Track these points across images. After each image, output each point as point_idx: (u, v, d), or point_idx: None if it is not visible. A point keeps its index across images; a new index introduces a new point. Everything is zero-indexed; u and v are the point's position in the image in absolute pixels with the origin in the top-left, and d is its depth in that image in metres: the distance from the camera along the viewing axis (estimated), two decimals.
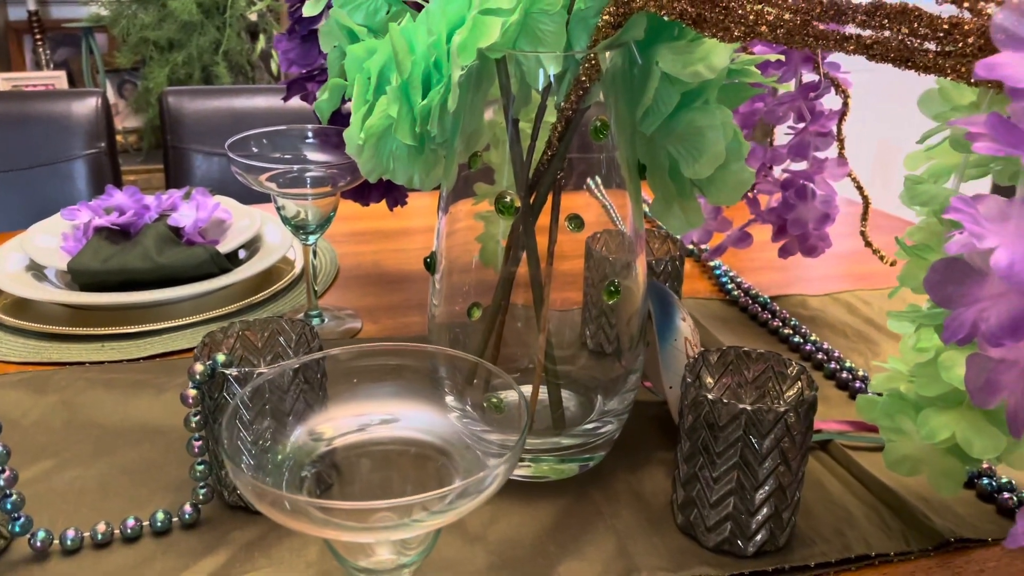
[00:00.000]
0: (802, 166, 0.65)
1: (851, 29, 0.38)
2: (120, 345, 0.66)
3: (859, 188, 0.67)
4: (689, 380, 0.44)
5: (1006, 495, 0.48)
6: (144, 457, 0.52)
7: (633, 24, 0.43)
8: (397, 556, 0.32)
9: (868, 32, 0.37)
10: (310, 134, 0.68)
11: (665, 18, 0.42)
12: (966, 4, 0.33)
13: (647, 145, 0.48)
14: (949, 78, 0.35)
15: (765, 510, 0.44)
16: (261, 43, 2.00)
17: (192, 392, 0.45)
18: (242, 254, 0.80)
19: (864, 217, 0.68)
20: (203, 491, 0.47)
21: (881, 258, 0.70)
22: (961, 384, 0.37)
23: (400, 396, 0.37)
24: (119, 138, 2.35)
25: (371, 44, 0.49)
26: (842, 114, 0.64)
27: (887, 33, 0.36)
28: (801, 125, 0.65)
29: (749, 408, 0.42)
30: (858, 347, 0.67)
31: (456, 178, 0.50)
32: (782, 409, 0.42)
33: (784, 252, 0.69)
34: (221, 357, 0.46)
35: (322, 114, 0.55)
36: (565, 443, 0.50)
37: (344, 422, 0.36)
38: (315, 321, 0.69)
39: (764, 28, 0.39)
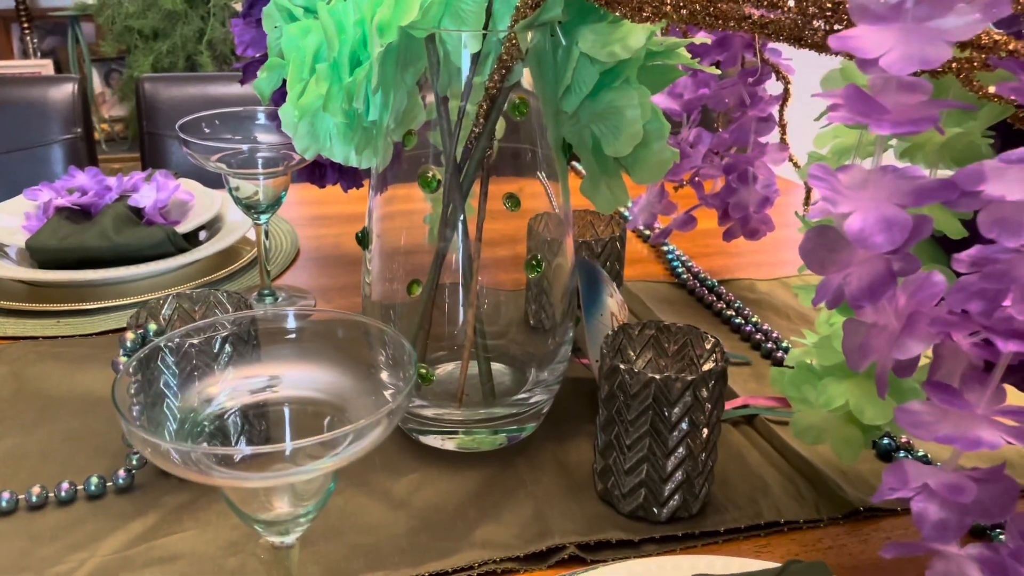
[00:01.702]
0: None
1: (749, 9, 0.39)
2: (75, 321, 0.67)
3: (797, 167, 0.68)
4: (605, 351, 0.46)
5: (904, 454, 0.49)
6: (86, 426, 0.54)
7: (551, 5, 0.45)
8: (294, 508, 0.33)
9: (761, 12, 0.38)
10: (261, 115, 0.69)
11: None
12: None
13: (572, 124, 0.50)
14: (838, 56, 0.37)
15: (677, 476, 0.45)
16: None
17: (123, 359, 0.46)
18: (202, 235, 0.81)
19: (806, 201, 0.70)
20: (136, 457, 0.48)
21: None
22: None
23: (308, 358, 0.38)
24: (105, 127, 2.36)
25: (306, 24, 0.50)
26: (783, 99, 0.65)
27: (779, 13, 0.38)
28: (739, 112, 0.66)
29: (658, 377, 0.43)
30: (798, 328, 0.69)
31: (392, 156, 0.52)
32: (690, 378, 0.43)
33: (728, 235, 0.71)
34: (153, 326, 0.47)
35: (261, 93, 0.56)
36: (497, 413, 0.52)
37: (249, 382, 0.38)
38: (267, 300, 0.71)
39: (669, 8, 0.40)
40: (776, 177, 0.67)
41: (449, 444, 0.52)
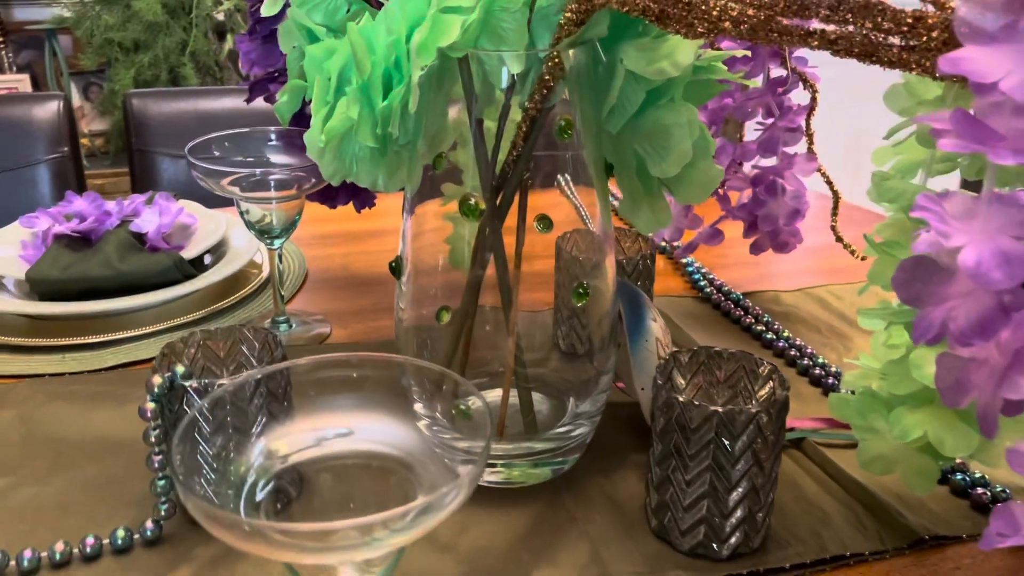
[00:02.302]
0: (771, 162, 0.65)
1: (815, 24, 0.37)
2: (81, 356, 0.64)
3: (829, 183, 0.67)
4: (660, 382, 0.44)
5: (980, 490, 0.48)
6: (105, 472, 0.51)
7: (596, 21, 0.42)
8: (361, 575, 0.31)
9: (832, 27, 0.36)
10: (273, 136, 0.67)
11: (629, 15, 0.42)
12: None
13: (614, 144, 0.47)
14: (914, 73, 0.35)
15: (739, 512, 0.43)
16: (229, 43, 1.98)
17: (150, 406, 0.44)
18: (208, 259, 0.78)
19: (834, 212, 0.68)
20: (164, 507, 0.45)
21: (852, 252, 0.70)
22: (932, 383, 0.37)
23: (361, 407, 0.35)
24: (85, 141, 2.31)
25: (330, 44, 0.48)
26: (810, 109, 0.64)
27: (851, 28, 0.36)
28: (770, 121, 0.64)
29: (721, 410, 0.41)
30: (831, 342, 0.67)
31: (421, 179, 0.49)
32: (754, 410, 0.41)
33: (756, 249, 0.69)
34: (180, 368, 0.45)
35: (282, 116, 0.53)
36: (538, 447, 0.50)
37: (304, 436, 0.35)
38: (282, 327, 0.68)
39: (728, 24, 0.38)
40: (806, 189, 0.65)
41: (491, 477, 0.50)
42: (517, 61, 0.43)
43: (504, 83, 0.44)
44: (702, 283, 0.75)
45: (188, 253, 0.73)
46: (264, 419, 0.37)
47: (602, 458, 0.52)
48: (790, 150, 0.65)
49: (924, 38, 0.34)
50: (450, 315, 0.52)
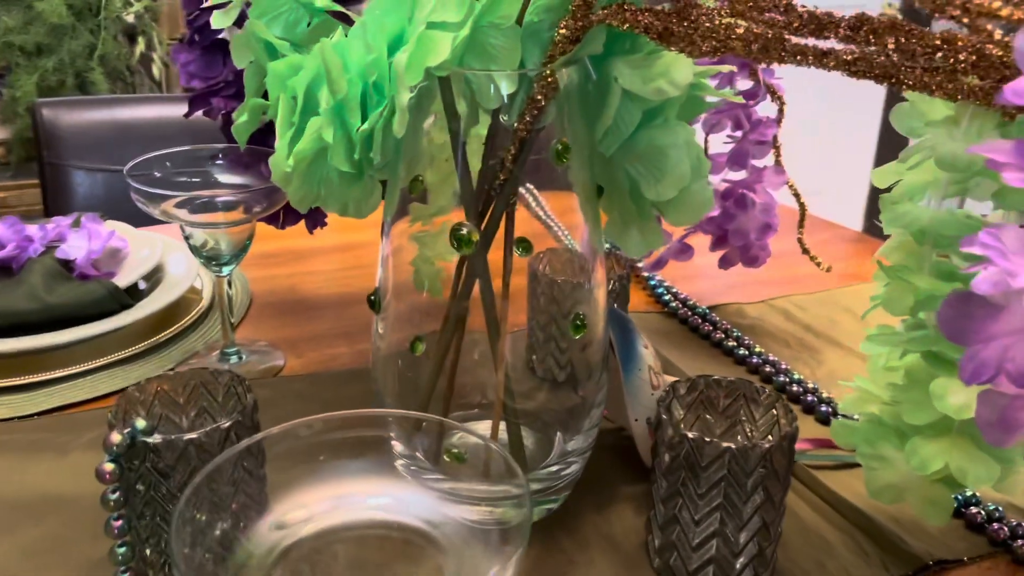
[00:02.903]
0: (741, 175, 0.64)
1: (830, 43, 0.36)
2: (11, 400, 0.58)
3: (796, 195, 0.66)
4: (665, 417, 0.42)
5: (996, 525, 0.47)
6: (50, 534, 0.46)
7: (591, 38, 0.40)
8: None
9: (849, 47, 0.35)
10: (219, 153, 0.62)
11: (630, 32, 0.40)
12: (965, 20, 0.31)
13: (604, 165, 0.45)
14: (935, 95, 0.34)
15: (750, 548, 0.41)
16: (141, 46, 1.88)
17: (109, 467, 0.39)
18: (142, 285, 0.73)
19: (801, 224, 0.67)
20: (125, 575, 0.41)
21: (818, 265, 0.69)
22: (957, 413, 0.36)
23: (364, 472, 0.32)
24: None
25: (296, 60, 0.44)
26: (778, 121, 0.63)
27: (871, 48, 0.34)
28: (739, 133, 0.63)
29: (734, 447, 0.39)
30: (801, 356, 0.67)
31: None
32: (767, 445, 0.39)
33: (725, 263, 0.68)
34: (141, 423, 0.40)
35: (240, 137, 0.49)
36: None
37: (306, 508, 0.32)
38: (232, 359, 0.63)
39: (736, 43, 0.37)
40: (776, 203, 0.64)
41: (478, 517, 0.47)
42: (509, 81, 0.40)
43: (493, 103, 0.41)
44: (666, 297, 0.74)
45: (122, 281, 0.68)
46: (251, 494, 0.33)
47: (594, 492, 0.50)
48: (758, 163, 0.64)
49: (951, 60, 0.33)
50: (424, 345, 0.49)
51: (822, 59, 0.35)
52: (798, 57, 0.36)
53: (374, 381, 0.49)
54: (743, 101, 0.53)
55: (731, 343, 0.66)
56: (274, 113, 0.46)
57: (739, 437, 0.46)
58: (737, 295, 0.77)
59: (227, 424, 0.40)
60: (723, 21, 0.37)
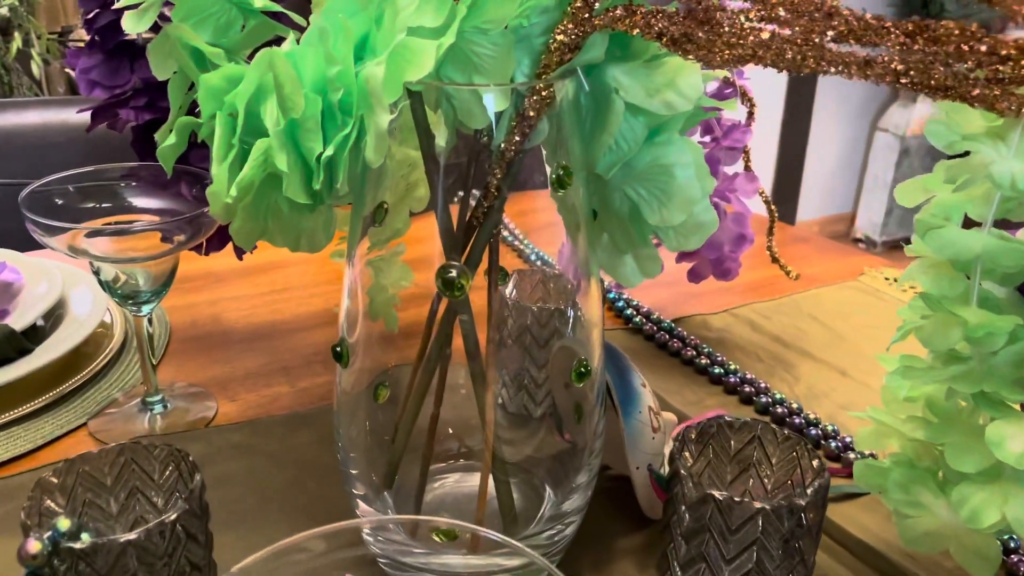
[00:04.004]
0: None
1: (873, 52, 0.31)
2: None
3: (767, 202, 0.62)
4: (684, 473, 0.37)
5: (1015, 558, 0.44)
6: None
7: (592, 45, 0.35)
8: None
9: (895, 55, 0.30)
10: (130, 172, 0.54)
11: (627, 36, 0.34)
12: None
13: (598, 187, 0.40)
14: (996, 110, 0.30)
15: None
16: (17, 42, 1.72)
17: None
18: (39, 323, 0.63)
19: (771, 232, 0.64)
20: None
21: (788, 273, 0.66)
22: (1018, 462, 0.32)
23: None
24: None
25: (233, 71, 0.37)
26: (748, 124, 0.59)
27: (924, 57, 0.30)
28: (707, 139, 0.59)
29: (768, 507, 0.35)
30: (775, 371, 0.63)
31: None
32: (801, 503, 0.35)
33: (695, 276, 0.64)
34: (63, 523, 0.33)
35: (166, 162, 0.42)
36: (517, 562, 0.41)
37: None
38: (156, 408, 0.55)
39: (767, 54, 0.32)
40: (750, 212, 0.60)
41: None
42: (499, 95, 0.34)
43: (479, 122, 0.35)
44: (628, 311, 0.69)
45: (17, 322, 0.59)
46: None
47: (590, 546, 0.45)
48: (728, 170, 0.60)
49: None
50: (389, 391, 0.43)
51: (865, 69, 0.31)
52: (839, 67, 0.31)
53: (336, 432, 0.43)
54: (734, 109, 0.49)
55: (703, 360, 0.62)
56: (207, 133, 0.39)
57: (751, 482, 0.42)
58: (697, 305, 0.73)
59: (172, 517, 0.33)
60: (750, 27, 0.32)
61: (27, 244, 0.71)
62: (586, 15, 0.33)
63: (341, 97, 0.33)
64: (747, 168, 0.60)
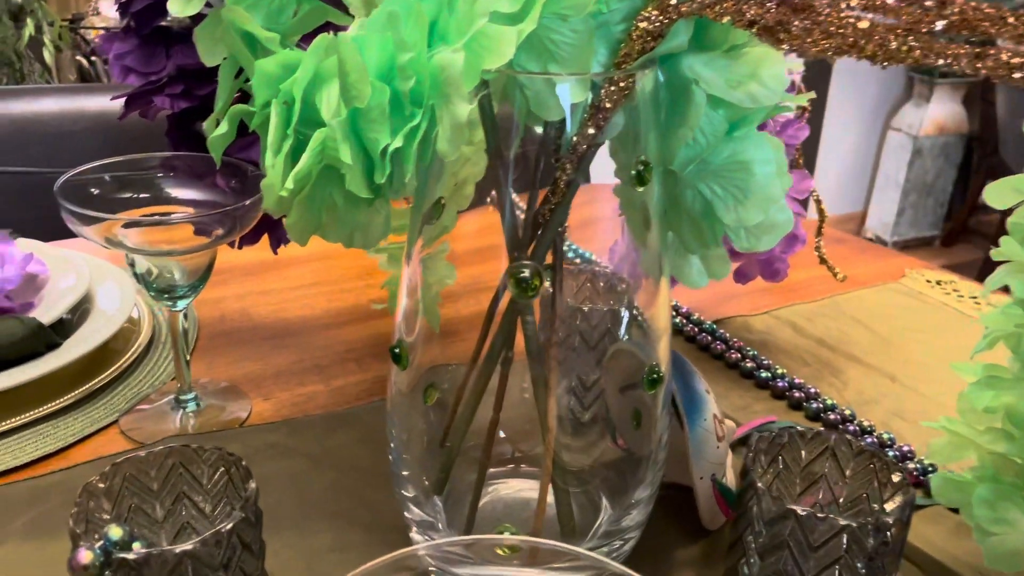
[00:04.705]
0: None
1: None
2: None
3: (817, 201, 0.60)
4: (760, 486, 0.35)
5: None
6: None
7: (676, 33, 0.33)
8: None
9: (1015, 48, 0.29)
10: (165, 164, 0.52)
11: (724, 26, 0.32)
12: None
13: (669, 182, 0.38)
14: None
15: None
16: (30, 28, 1.69)
17: None
18: (65, 317, 0.61)
19: (819, 232, 0.62)
20: None
21: (835, 275, 0.64)
22: None
23: None
24: None
25: (288, 57, 0.35)
26: (803, 119, 0.57)
27: None
28: None
29: (854, 524, 0.33)
30: (823, 375, 0.61)
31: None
32: (888, 520, 0.33)
33: (741, 276, 0.62)
34: (115, 531, 0.31)
35: (216, 151, 0.40)
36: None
37: None
38: (190, 406, 0.54)
39: (867, 43, 0.30)
40: (804, 213, 0.58)
41: None
42: (578, 86, 0.32)
43: (554, 114, 0.33)
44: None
45: (45, 315, 0.57)
46: None
47: (644, 558, 0.43)
48: None
49: None
50: (439, 393, 0.42)
51: (976, 61, 0.29)
52: (947, 59, 0.29)
53: (388, 433, 0.41)
54: (804, 103, 0.47)
55: (749, 364, 0.60)
56: (259, 122, 0.37)
57: (821, 495, 0.40)
58: (735, 306, 0.72)
59: (229, 526, 0.32)
60: (844, 15, 0.30)
61: (46, 234, 0.70)
62: (672, 1, 0.32)
63: (413, 86, 0.31)
64: (799, 166, 0.59)
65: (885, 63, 0.31)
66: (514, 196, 0.38)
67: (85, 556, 0.29)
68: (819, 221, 0.62)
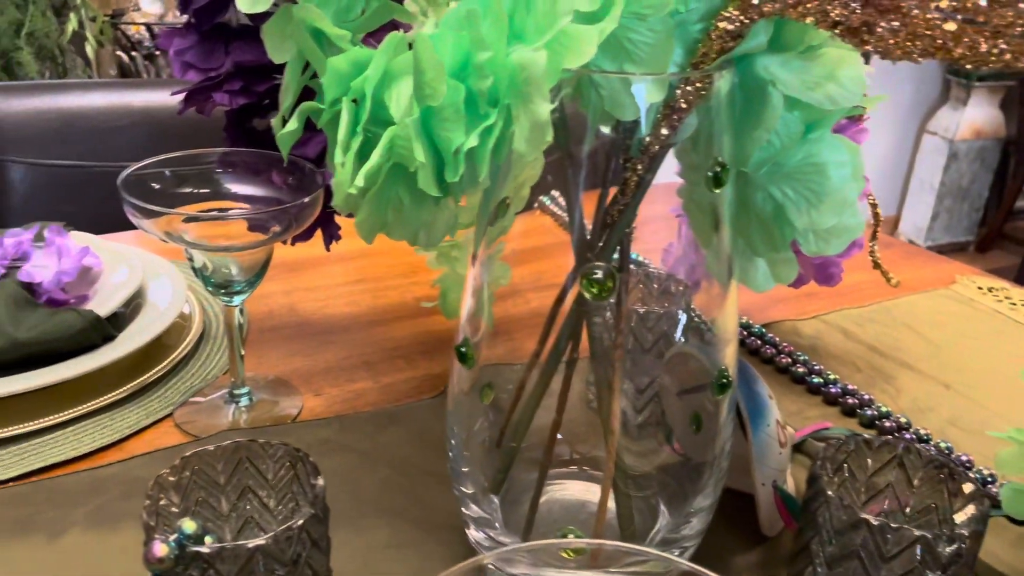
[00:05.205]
0: None
1: None
2: None
3: (873, 205, 0.60)
4: (832, 496, 0.34)
5: None
6: None
7: (755, 33, 0.32)
8: None
9: None
10: (223, 160, 0.52)
11: (801, 26, 0.32)
12: None
13: (740, 185, 0.38)
14: None
15: None
16: (72, 23, 1.71)
17: None
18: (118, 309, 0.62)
19: (874, 236, 0.61)
20: None
21: (889, 280, 0.63)
22: None
23: None
24: None
25: (360, 55, 0.35)
26: (860, 123, 0.56)
27: None
28: None
29: (929, 535, 0.32)
30: (875, 382, 0.61)
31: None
32: (963, 532, 0.33)
33: (795, 281, 0.61)
34: (189, 525, 0.31)
35: (284, 147, 0.40)
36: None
37: None
38: (243, 400, 0.54)
39: (955, 46, 0.29)
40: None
41: None
42: (655, 86, 0.32)
43: (629, 114, 0.33)
44: None
45: (100, 307, 0.57)
46: None
47: (704, 565, 0.43)
48: None
49: None
50: (494, 393, 0.41)
51: None
52: None
53: (449, 430, 0.41)
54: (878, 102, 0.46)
55: (800, 369, 0.60)
56: (328, 119, 0.37)
57: (887, 503, 0.39)
58: (783, 310, 0.71)
59: (300, 522, 0.32)
60: (932, 16, 0.30)
61: (89, 228, 0.70)
62: (754, 1, 0.31)
63: (491, 85, 0.31)
64: None
65: (970, 65, 0.30)
66: (560, 198, 0.38)
67: (160, 549, 0.30)
68: (874, 225, 0.61)
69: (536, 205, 0.40)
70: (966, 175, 3.23)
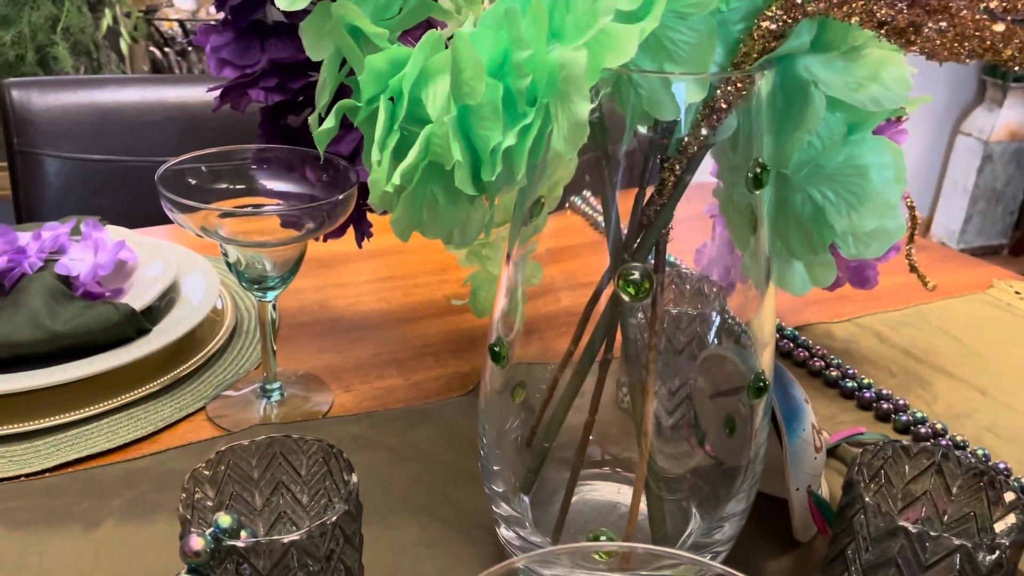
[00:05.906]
0: None
1: None
2: (12, 451, 0.48)
3: (911, 207, 0.59)
4: (870, 503, 0.34)
5: None
6: None
7: (798, 32, 0.32)
8: None
9: None
10: (257, 156, 0.52)
11: (845, 26, 0.32)
12: None
13: (778, 185, 0.37)
14: None
15: None
16: (107, 19, 1.74)
17: None
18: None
19: (911, 240, 0.60)
20: None
21: (925, 284, 0.62)
22: None
23: None
24: None
25: (397, 53, 0.35)
26: (900, 124, 0.56)
27: None
28: None
29: (969, 544, 0.32)
30: (911, 387, 0.60)
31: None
32: (1004, 542, 0.32)
33: (831, 284, 0.60)
34: (224, 519, 0.31)
35: (321, 144, 0.40)
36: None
37: None
38: (274, 395, 0.54)
39: (1005, 47, 0.29)
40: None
41: None
42: (695, 86, 0.32)
43: (668, 114, 0.32)
44: None
45: (135, 301, 0.58)
46: None
47: (735, 569, 0.42)
48: None
49: None
50: (525, 392, 0.41)
51: None
52: None
53: (481, 428, 0.41)
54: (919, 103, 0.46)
55: (834, 372, 0.59)
56: (364, 117, 0.37)
57: (924, 511, 0.39)
58: (816, 313, 0.70)
59: (333, 518, 0.32)
60: (980, 17, 0.29)
61: (125, 220, 0.71)
62: (798, 1, 0.31)
63: (530, 84, 0.31)
64: None
65: (1019, 67, 0.30)
66: (591, 197, 0.38)
67: (197, 542, 0.30)
68: (911, 228, 0.60)
69: (567, 205, 0.40)
70: (1000, 177, 3.18)
